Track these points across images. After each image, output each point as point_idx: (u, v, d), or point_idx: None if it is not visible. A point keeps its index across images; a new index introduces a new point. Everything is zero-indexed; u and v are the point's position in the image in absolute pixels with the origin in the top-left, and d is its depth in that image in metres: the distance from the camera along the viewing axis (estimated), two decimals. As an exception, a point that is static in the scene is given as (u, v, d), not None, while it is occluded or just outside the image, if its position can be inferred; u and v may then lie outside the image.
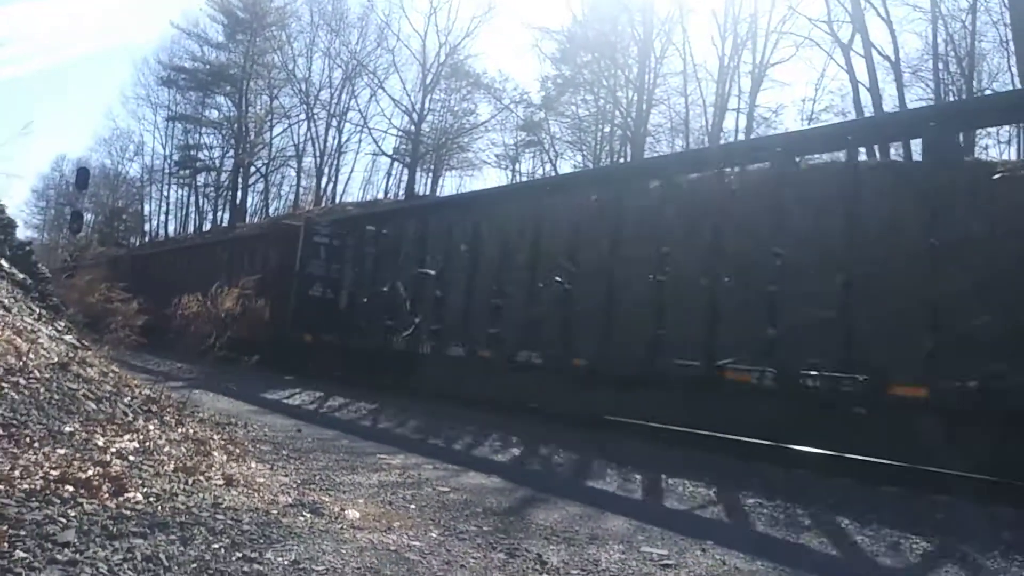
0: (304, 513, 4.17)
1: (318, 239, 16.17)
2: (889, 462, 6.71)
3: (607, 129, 34.97)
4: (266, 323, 16.05)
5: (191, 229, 47.53)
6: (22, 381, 4.91)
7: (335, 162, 43.62)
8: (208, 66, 45.32)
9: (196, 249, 23.94)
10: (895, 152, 20.91)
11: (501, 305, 11.48)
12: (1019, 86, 20.57)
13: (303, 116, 43.29)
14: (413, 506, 4.86)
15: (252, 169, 45.55)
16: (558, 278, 10.64)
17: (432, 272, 12.94)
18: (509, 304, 11.54)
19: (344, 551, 3.54)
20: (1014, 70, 22.69)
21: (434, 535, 4.16)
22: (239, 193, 45.50)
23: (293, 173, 45.79)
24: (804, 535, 5.07)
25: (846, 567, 4.37)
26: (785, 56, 30.36)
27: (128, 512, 3.49)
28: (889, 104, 23.64)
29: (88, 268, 29.34)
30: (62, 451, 4.14)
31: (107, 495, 3.66)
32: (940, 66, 25.53)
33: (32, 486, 3.52)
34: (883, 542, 4.93)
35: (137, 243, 48.25)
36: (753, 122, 29.75)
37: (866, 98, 24.45)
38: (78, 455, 4.14)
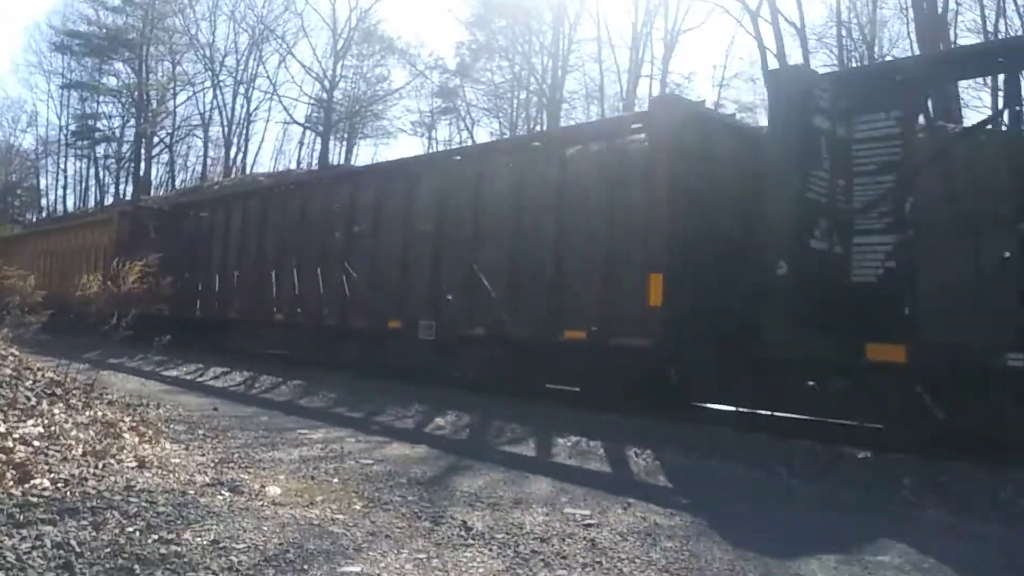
0: (223, 492, 4.08)
1: (820, 122, 6.64)
2: (799, 416, 7.04)
3: (523, 96, 34.99)
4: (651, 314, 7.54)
5: (91, 203, 45.36)
6: (-89, 367, 4.63)
7: (244, 131, 42.38)
8: (104, 30, 43.02)
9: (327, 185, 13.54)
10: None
11: None
12: (917, 52, 21.46)
13: (208, 83, 41.71)
14: (336, 480, 4.82)
15: (155, 139, 43.73)
16: None
17: None
18: None
19: (265, 528, 3.48)
20: (912, 36, 23.70)
21: (358, 507, 4.14)
22: (142, 164, 43.66)
23: (200, 143, 44.27)
24: (721, 489, 5.26)
25: (760, 517, 4.55)
26: (696, 23, 30.87)
27: (35, 499, 3.35)
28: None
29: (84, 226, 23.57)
30: (-41, 439, 3.93)
31: (11, 482, 3.51)
32: (843, 33, 26.47)
33: (-73, 477, 3.34)
34: (792, 492, 5.17)
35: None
36: (666, 88, 30.19)
37: (773, 64, 25.07)
38: (-23, 443, 3.94)
